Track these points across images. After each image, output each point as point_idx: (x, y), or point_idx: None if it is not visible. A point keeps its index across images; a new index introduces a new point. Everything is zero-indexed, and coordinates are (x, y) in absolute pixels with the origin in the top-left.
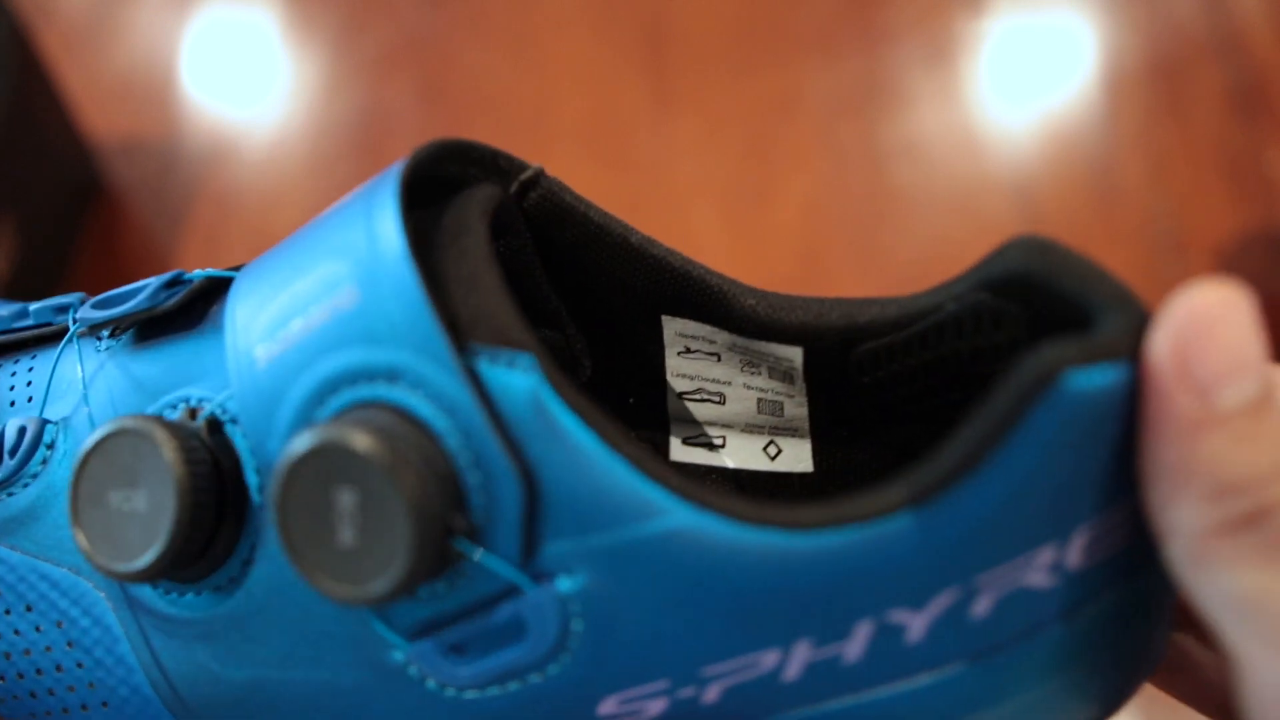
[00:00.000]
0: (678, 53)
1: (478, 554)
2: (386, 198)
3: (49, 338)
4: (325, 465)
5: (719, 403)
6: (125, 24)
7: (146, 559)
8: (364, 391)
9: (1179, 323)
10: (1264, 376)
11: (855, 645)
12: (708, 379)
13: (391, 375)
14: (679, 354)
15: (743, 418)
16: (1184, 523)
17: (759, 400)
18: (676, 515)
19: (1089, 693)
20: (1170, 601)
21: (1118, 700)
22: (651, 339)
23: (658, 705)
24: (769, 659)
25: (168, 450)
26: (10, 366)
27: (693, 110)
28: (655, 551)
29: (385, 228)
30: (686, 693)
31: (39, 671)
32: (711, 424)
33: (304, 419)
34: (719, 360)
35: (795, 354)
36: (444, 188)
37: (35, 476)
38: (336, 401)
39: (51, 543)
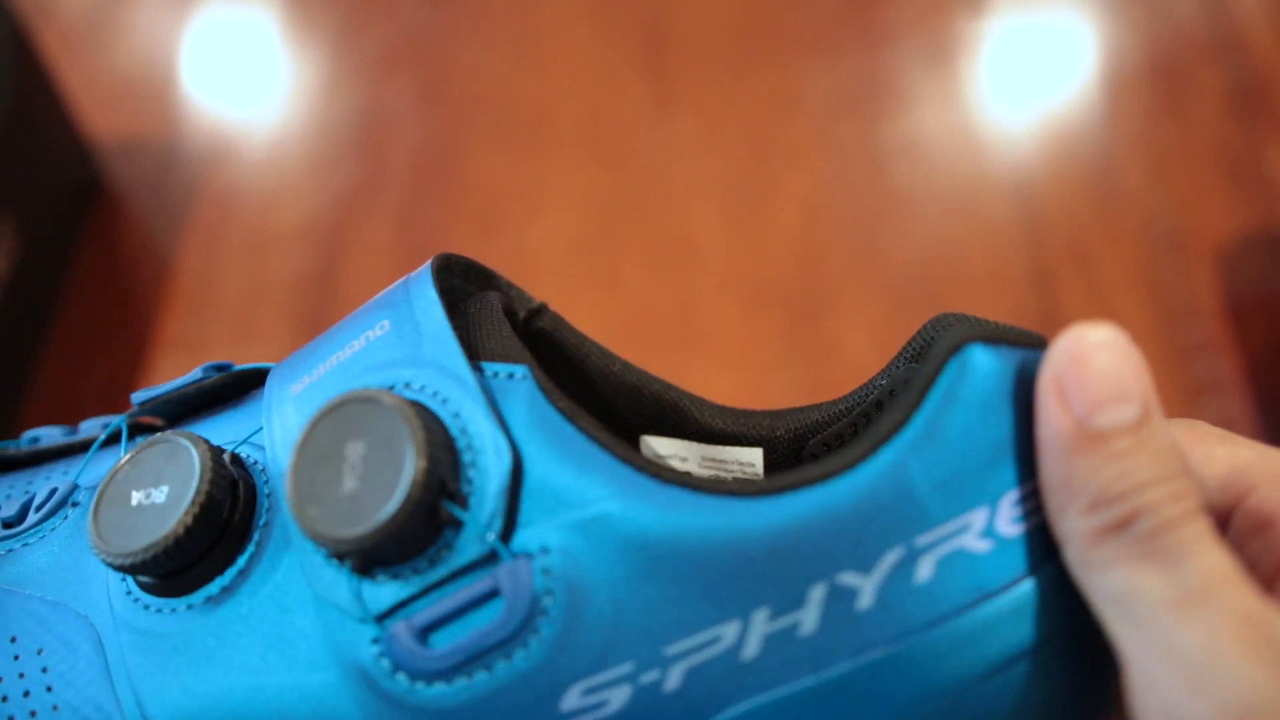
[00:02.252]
0: (678, 53)
1: (462, 515)
2: (423, 271)
3: (91, 443)
4: (344, 417)
5: None
6: (125, 24)
7: (154, 538)
8: None
9: (1058, 356)
10: (1142, 403)
11: (810, 614)
12: None
13: (408, 382)
14: None
15: None
16: (1070, 531)
17: None
18: (643, 490)
19: (1060, 687)
20: None
21: (1097, 700)
22: None
23: (621, 695)
24: (729, 632)
25: (197, 450)
26: (51, 465)
27: (693, 110)
28: (623, 523)
29: (421, 283)
30: (650, 677)
31: (4, 699)
32: None
33: None
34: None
35: (756, 456)
36: (460, 299)
37: (53, 530)
38: None
39: (53, 584)
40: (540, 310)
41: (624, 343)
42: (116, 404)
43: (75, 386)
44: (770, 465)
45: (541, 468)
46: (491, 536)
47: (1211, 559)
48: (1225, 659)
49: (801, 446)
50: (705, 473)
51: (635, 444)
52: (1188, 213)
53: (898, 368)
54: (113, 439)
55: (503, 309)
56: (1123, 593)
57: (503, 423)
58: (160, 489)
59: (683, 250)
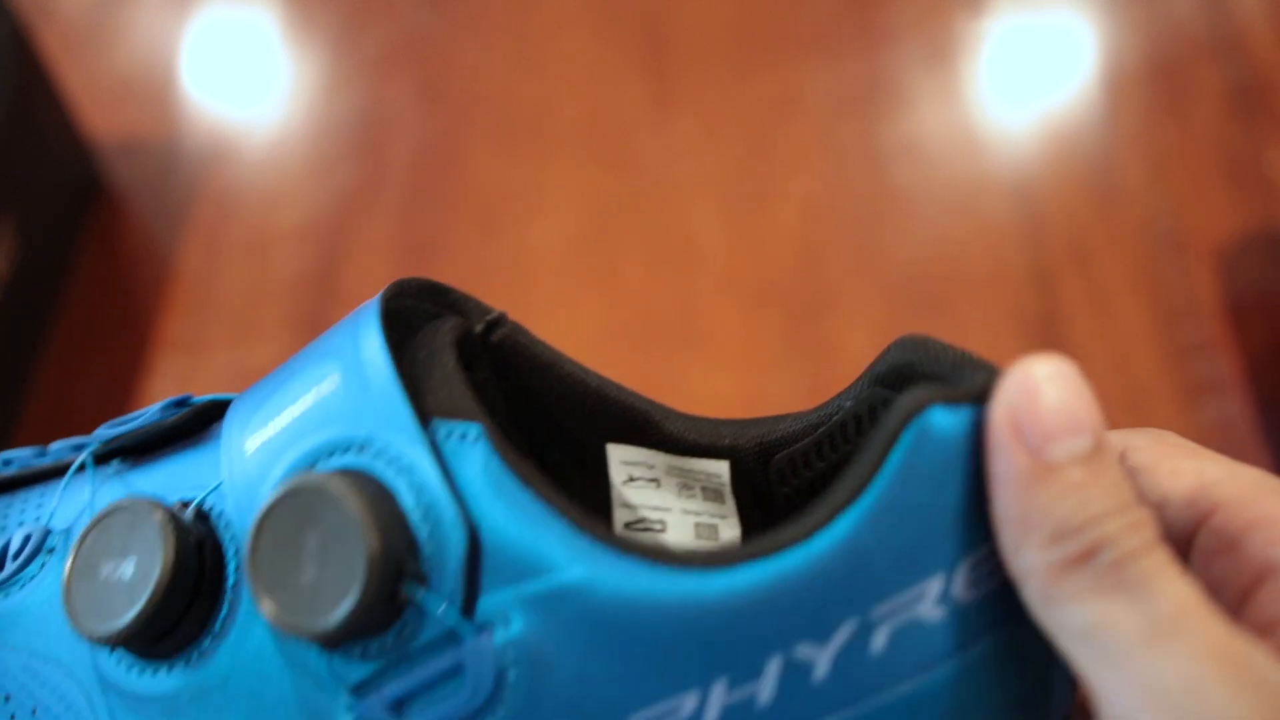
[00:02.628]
0: (678, 53)
1: (423, 595)
2: (370, 311)
3: (63, 469)
4: (297, 506)
5: (660, 531)
6: (125, 24)
7: (127, 618)
8: (335, 462)
9: (1010, 391)
10: (1095, 433)
11: (767, 684)
12: (649, 506)
13: (361, 446)
14: (624, 483)
15: (682, 545)
16: (1029, 566)
17: (696, 525)
18: (602, 560)
19: None
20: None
21: None
22: (599, 469)
23: None
24: (688, 703)
25: (158, 518)
26: (25, 495)
27: (693, 110)
28: (583, 595)
29: (368, 329)
30: None
31: None
32: None
33: None
34: (659, 486)
35: (722, 468)
36: (418, 320)
37: (33, 578)
38: None
39: (39, 638)
40: (498, 321)
41: (624, 343)
42: (116, 404)
43: (75, 386)
44: (737, 477)
45: (499, 537)
46: (453, 615)
47: (1177, 588)
48: (1204, 691)
49: (768, 460)
50: (672, 481)
51: (601, 452)
52: (1188, 213)
53: (863, 389)
54: (81, 466)
55: (458, 333)
56: (1091, 627)
57: (457, 490)
58: (127, 560)
59: (683, 250)
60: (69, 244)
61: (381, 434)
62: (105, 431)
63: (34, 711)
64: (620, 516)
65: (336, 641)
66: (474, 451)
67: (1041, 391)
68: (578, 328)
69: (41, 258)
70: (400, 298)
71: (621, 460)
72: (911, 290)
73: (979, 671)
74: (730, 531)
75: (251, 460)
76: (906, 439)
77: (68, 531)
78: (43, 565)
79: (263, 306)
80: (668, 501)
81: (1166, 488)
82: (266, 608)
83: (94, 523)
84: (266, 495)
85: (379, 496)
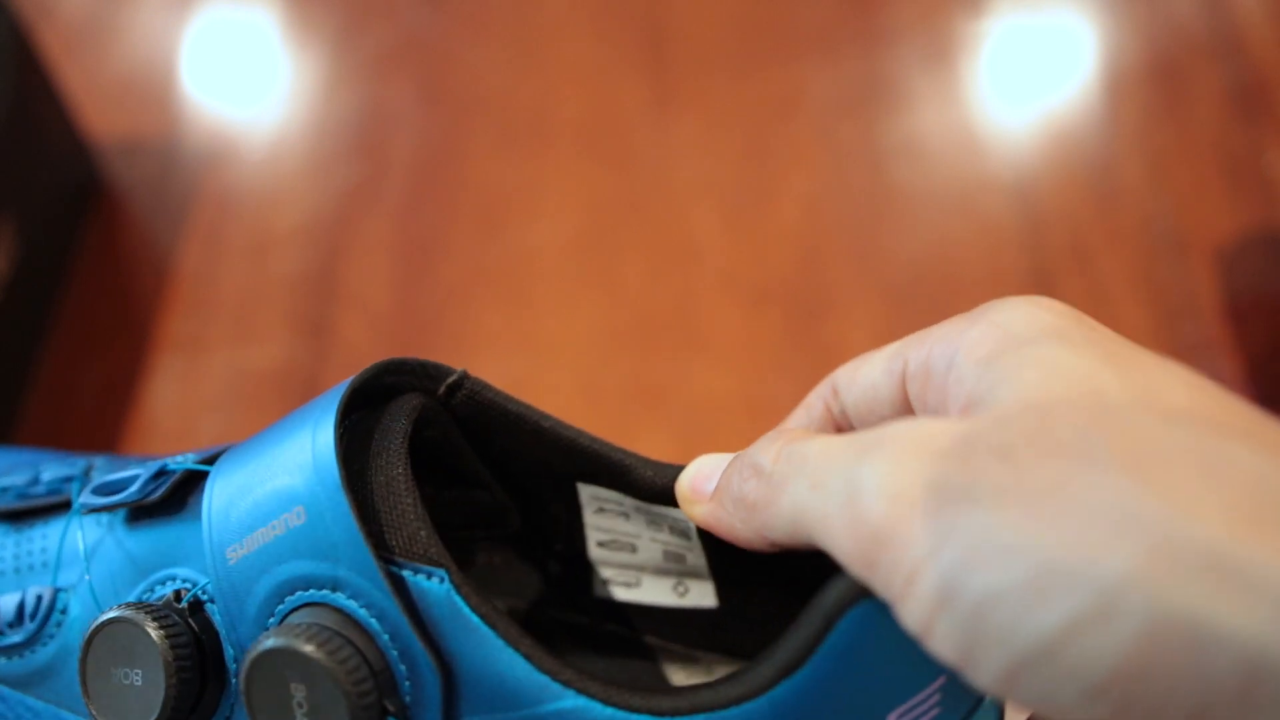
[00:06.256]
0: (678, 53)
1: None
2: (328, 425)
3: (59, 506)
4: (281, 662)
5: (632, 551)
6: (125, 24)
7: None
8: (314, 595)
9: (682, 487)
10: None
11: None
12: (620, 531)
13: (335, 585)
14: (594, 512)
15: (653, 562)
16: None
17: (664, 551)
18: (564, 700)
19: None
20: None
21: None
22: (570, 502)
23: None
24: None
25: (156, 638)
26: (28, 533)
27: (693, 110)
28: None
29: (325, 456)
30: None
31: None
32: (627, 567)
33: (267, 612)
34: (628, 518)
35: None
36: (383, 392)
37: (52, 637)
38: (293, 600)
39: (69, 694)
40: (459, 383)
41: (624, 343)
42: (116, 404)
43: (75, 386)
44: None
45: (471, 673)
46: None
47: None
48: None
49: None
50: (640, 516)
51: (573, 491)
52: (1188, 213)
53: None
54: (66, 505)
55: (411, 423)
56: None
57: (428, 631)
58: (135, 671)
59: (683, 250)
60: (69, 244)
61: (352, 579)
62: (92, 499)
63: None
64: (593, 537)
65: None
66: (441, 593)
67: (691, 471)
68: (578, 328)
69: (41, 258)
70: (361, 384)
71: (591, 495)
72: (911, 290)
73: None
74: (696, 560)
75: (235, 570)
76: (837, 626)
77: (73, 589)
78: (59, 624)
79: (263, 306)
80: (637, 530)
81: (861, 381)
82: None
83: (99, 627)
84: (253, 607)
85: (359, 641)
